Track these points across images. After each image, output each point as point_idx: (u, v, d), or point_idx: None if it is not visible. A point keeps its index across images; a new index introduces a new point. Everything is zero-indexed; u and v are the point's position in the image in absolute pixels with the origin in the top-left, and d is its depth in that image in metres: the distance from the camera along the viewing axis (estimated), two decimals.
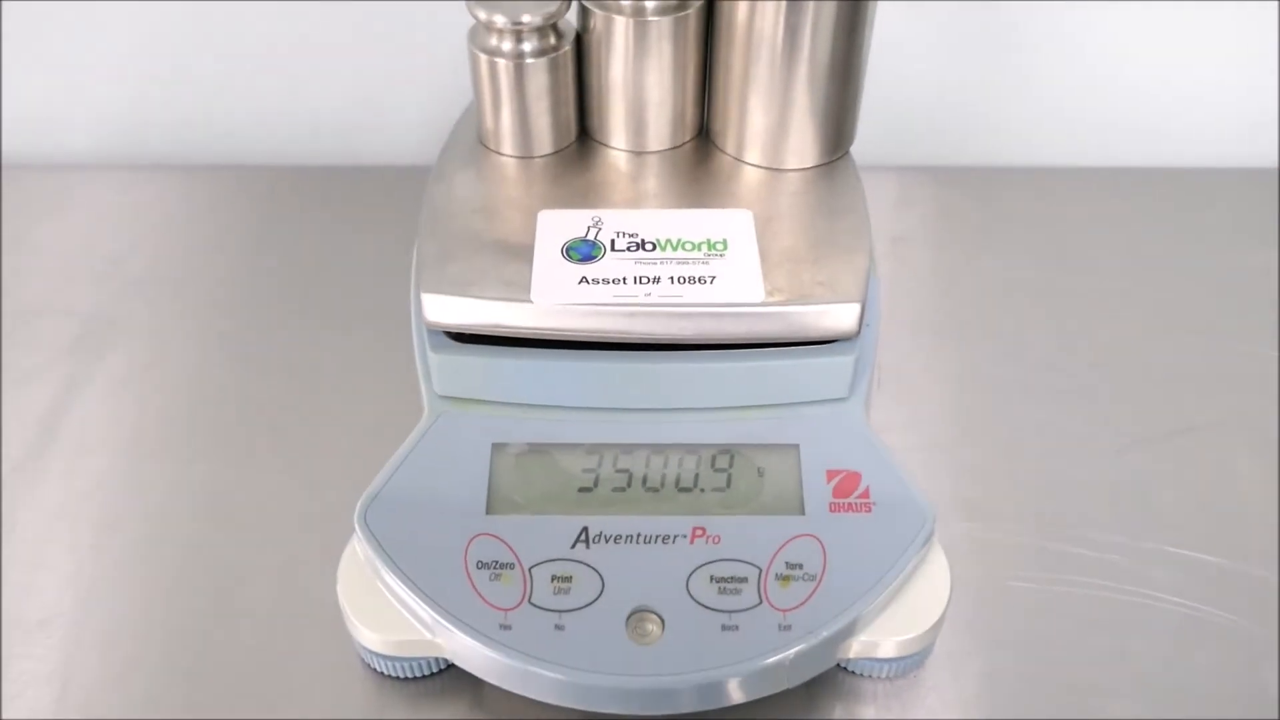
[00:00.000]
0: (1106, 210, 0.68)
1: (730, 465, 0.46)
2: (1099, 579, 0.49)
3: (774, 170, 0.52)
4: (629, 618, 0.42)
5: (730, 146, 0.52)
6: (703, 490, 0.45)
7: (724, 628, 0.41)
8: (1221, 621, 0.47)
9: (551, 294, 0.45)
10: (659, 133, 0.52)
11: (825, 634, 0.41)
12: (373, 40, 0.71)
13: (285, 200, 0.69)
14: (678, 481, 0.46)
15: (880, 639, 0.42)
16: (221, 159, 0.76)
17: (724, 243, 0.47)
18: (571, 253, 0.47)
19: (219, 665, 0.46)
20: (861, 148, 0.53)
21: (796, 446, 0.46)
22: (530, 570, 0.43)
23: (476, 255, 0.47)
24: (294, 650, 0.46)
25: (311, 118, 0.75)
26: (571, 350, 0.47)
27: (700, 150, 0.53)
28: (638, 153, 0.53)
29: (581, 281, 0.46)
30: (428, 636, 0.43)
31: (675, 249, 0.47)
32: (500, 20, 0.48)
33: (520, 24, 0.48)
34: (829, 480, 0.45)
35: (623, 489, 0.45)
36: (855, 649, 0.43)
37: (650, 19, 0.48)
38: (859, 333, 0.46)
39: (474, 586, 0.42)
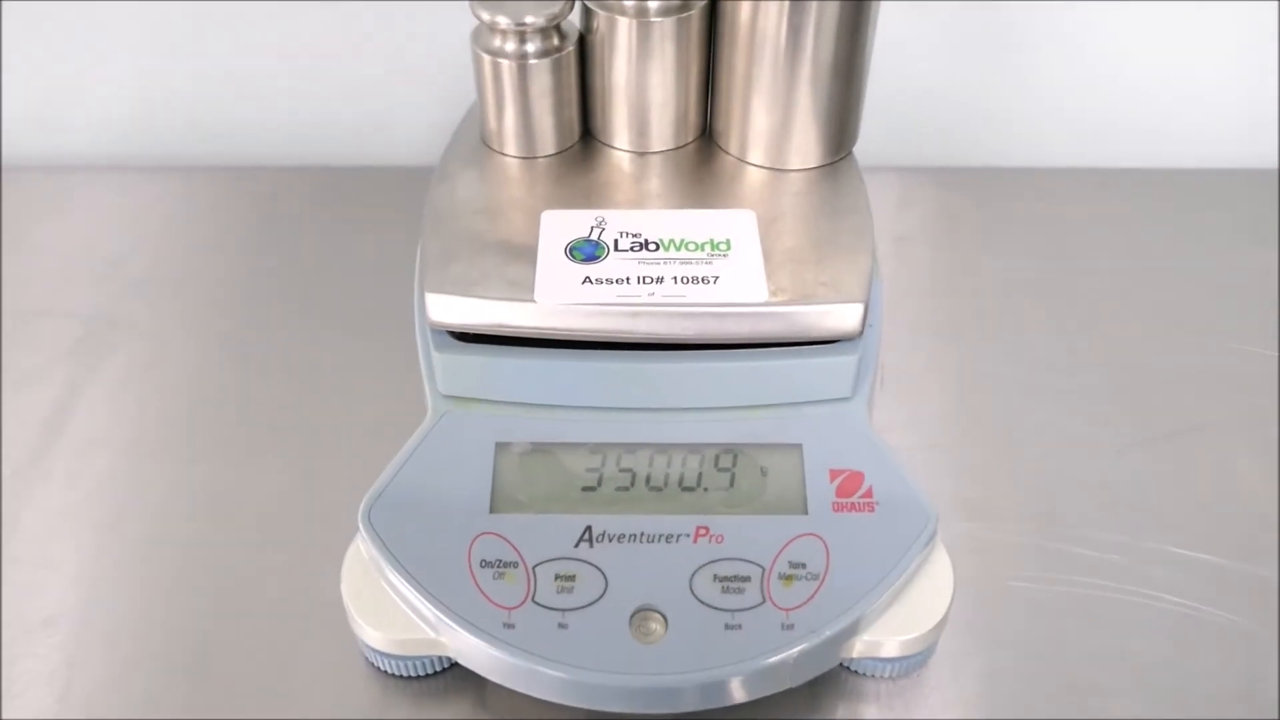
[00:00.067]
0: (1107, 211, 0.68)
1: (733, 465, 0.46)
2: (1100, 579, 0.49)
3: (777, 170, 0.52)
4: (632, 617, 0.42)
5: (733, 147, 0.52)
6: (706, 490, 0.45)
7: (727, 627, 0.41)
8: (1222, 621, 0.47)
9: (555, 294, 0.46)
10: (662, 133, 0.52)
11: (828, 633, 0.41)
12: (375, 41, 0.71)
13: (286, 201, 0.69)
14: (681, 481, 0.46)
15: (883, 638, 0.43)
16: (223, 160, 0.76)
17: (727, 243, 0.47)
18: (575, 253, 0.47)
19: (222, 664, 0.46)
20: (863, 148, 0.53)
21: (799, 446, 0.46)
22: (534, 569, 0.43)
23: (480, 255, 0.47)
24: (297, 649, 0.47)
25: (313, 118, 0.75)
26: (575, 350, 0.47)
27: (703, 151, 0.53)
28: (641, 153, 0.53)
29: (585, 281, 0.46)
30: (431, 635, 0.43)
31: (678, 249, 0.47)
32: (503, 21, 0.48)
33: (523, 25, 0.48)
34: (832, 480, 0.45)
35: (626, 488, 0.45)
36: (858, 648, 0.43)
37: (653, 20, 0.49)
38: (862, 333, 0.46)
39: (477, 585, 0.42)
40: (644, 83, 0.50)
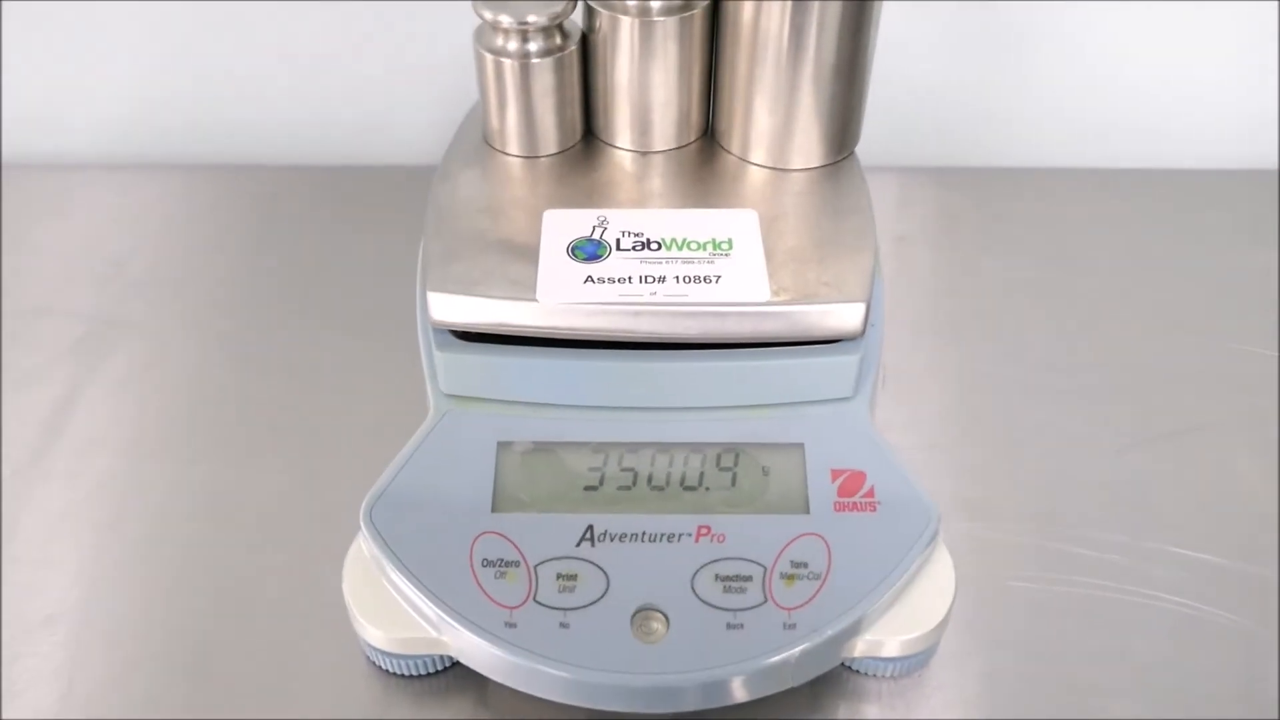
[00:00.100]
0: (1107, 211, 0.68)
1: (735, 464, 0.46)
2: (1100, 579, 0.49)
3: (779, 170, 0.52)
4: (634, 616, 0.42)
5: (735, 146, 0.52)
6: (708, 489, 0.45)
7: (729, 626, 0.41)
8: (1222, 621, 0.48)
9: (557, 293, 0.46)
10: (664, 133, 0.52)
11: (830, 633, 0.41)
12: (376, 40, 0.71)
13: (287, 201, 0.69)
14: (683, 480, 0.46)
15: (885, 638, 0.43)
16: (224, 159, 0.76)
17: (729, 242, 0.48)
18: (577, 252, 0.47)
19: (223, 664, 0.46)
20: (863, 148, 0.53)
21: (801, 446, 0.46)
22: (535, 568, 0.43)
23: (482, 254, 0.47)
24: (298, 649, 0.47)
25: (314, 118, 0.75)
26: (577, 349, 0.47)
27: (705, 150, 0.53)
28: (643, 152, 0.53)
29: (587, 281, 0.46)
30: (433, 634, 0.43)
31: (680, 248, 0.47)
32: (506, 20, 0.48)
33: (526, 24, 0.48)
34: (834, 479, 0.45)
35: (628, 487, 0.45)
36: (860, 648, 0.43)
37: (656, 19, 0.49)
38: (864, 332, 0.46)
39: (479, 584, 0.42)
40: (646, 82, 0.50)
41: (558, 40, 0.50)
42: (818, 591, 0.42)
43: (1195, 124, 0.74)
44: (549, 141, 0.52)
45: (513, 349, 0.47)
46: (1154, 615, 0.48)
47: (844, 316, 0.46)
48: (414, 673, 0.45)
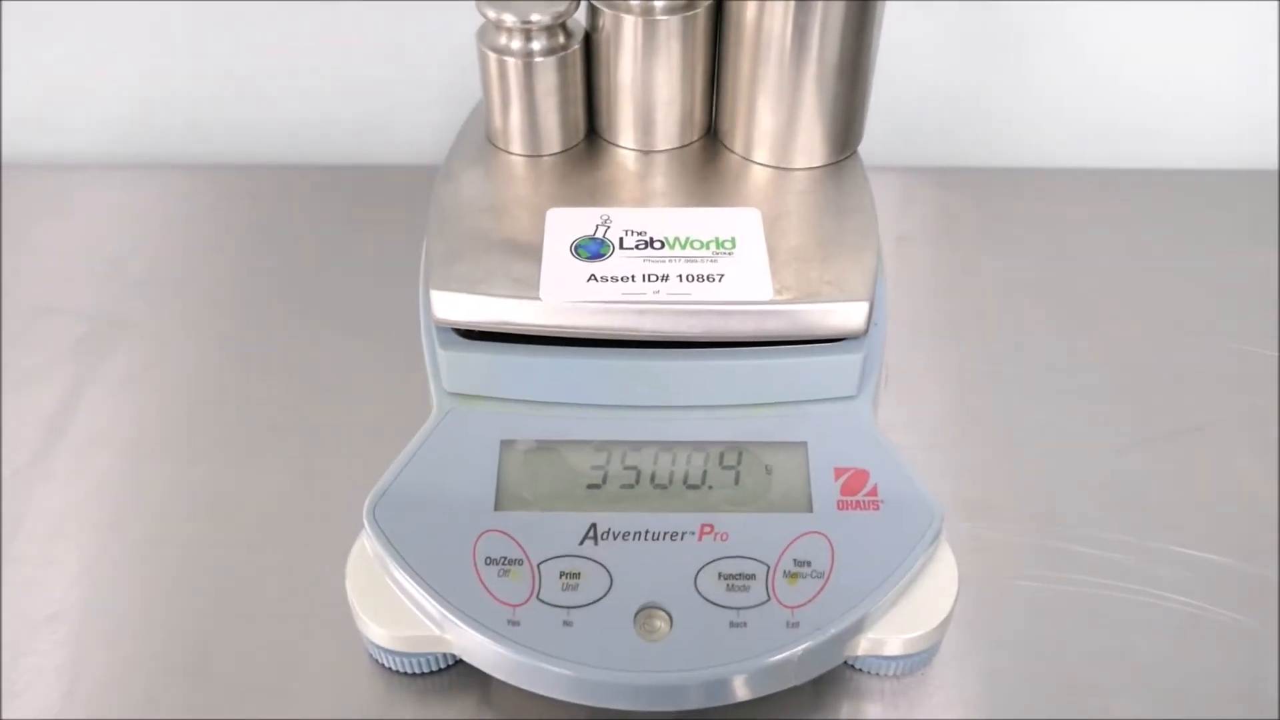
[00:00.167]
0: (1107, 211, 0.68)
1: (738, 463, 0.46)
2: (1101, 578, 0.49)
3: (782, 169, 0.52)
4: (637, 614, 0.42)
5: (738, 146, 0.52)
6: (711, 487, 0.45)
7: (732, 625, 0.41)
8: (1223, 620, 0.48)
9: (560, 291, 0.46)
10: (667, 132, 0.52)
11: (833, 631, 0.41)
12: (379, 39, 0.71)
13: (288, 200, 0.69)
14: (686, 479, 0.46)
15: (887, 637, 0.43)
16: (226, 159, 0.76)
17: (732, 241, 0.48)
18: (580, 250, 0.47)
19: (225, 662, 0.46)
20: (864, 147, 0.54)
21: (804, 444, 0.46)
22: (539, 566, 0.43)
23: (485, 253, 0.47)
24: (301, 647, 0.47)
25: (318, 117, 0.75)
26: (580, 347, 0.47)
27: (708, 149, 0.53)
28: (646, 151, 0.53)
29: (590, 279, 0.46)
30: (436, 632, 0.43)
31: (683, 247, 0.47)
32: (509, 19, 0.48)
33: (529, 23, 0.48)
34: (837, 478, 0.45)
35: (631, 486, 0.46)
36: (863, 647, 0.43)
37: (659, 18, 0.49)
38: (867, 331, 0.46)
39: (482, 582, 0.42)
40: (649, 81, 0.50)
41: (561, 39, 0.50)
42: (821, 590, 0.42)
43: (1195, 124, 0.74)
44: (552, 140, 0.52)
45: (516, 347, 0.47)
46: (1155, 615, 0.48)
47: (847, 315, 0.46)
48: (417, 671, 0.45)
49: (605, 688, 0.41)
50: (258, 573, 0.49)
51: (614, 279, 0.46)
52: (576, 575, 0.43)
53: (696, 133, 0.53)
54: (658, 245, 0.47)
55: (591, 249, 0.47)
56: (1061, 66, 0.72)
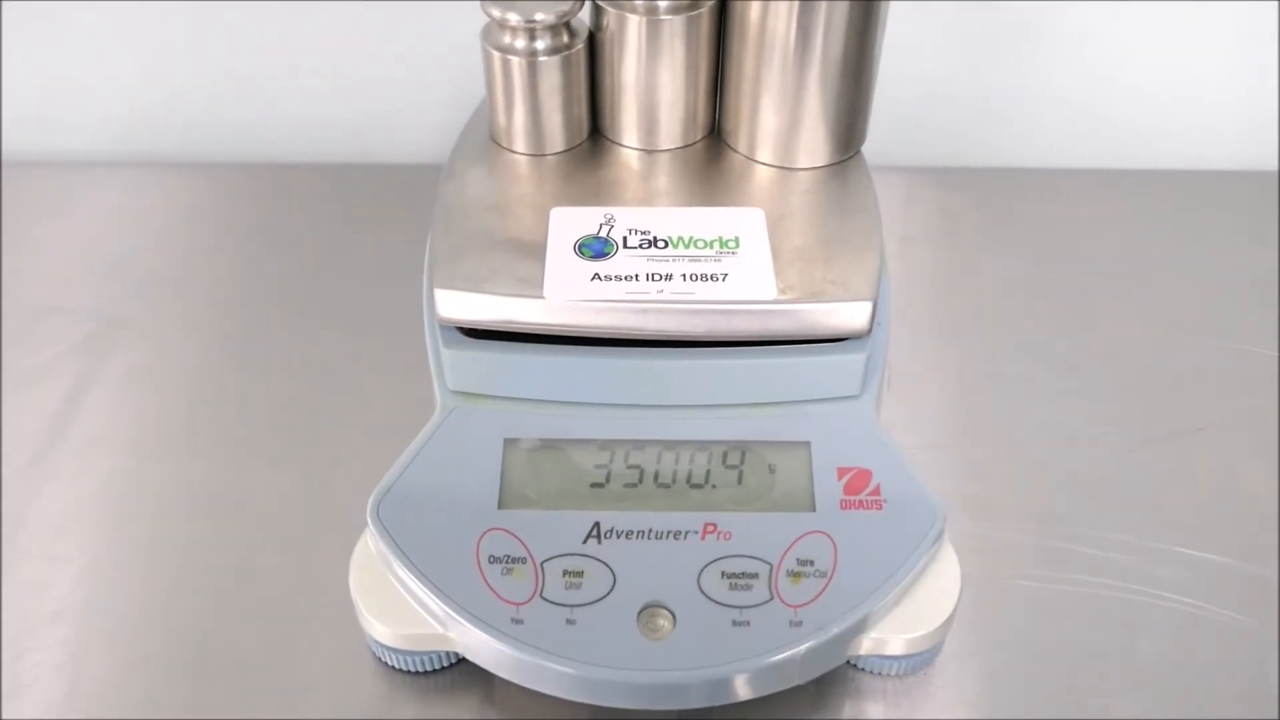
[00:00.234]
0: (1108, 211, 0.69)
1: (741, 462, 0.46)
2: (1102, 578, 0.49)
3: (785, 169, 0.52)
4: (640, 613, 0.42)
5: (742, 145, 0.52)
6: (714, 486, 0.46)
7: (735, 624, 0.42)
8: (1224, 620, 0.48)
9: (564, 290, 0.46)
10: (671, 131, 0.52)
11: (835, 631, 0.41)
12: (384, 37, 0.71)
13: (291, 199, 0.69)
14: (689, 478, 0.46)
15: (890, 636, 0.43)
16: (226, 158, 0.76)
17: (736, 240, 0.48)
18: (584, 249, 0.47)
19: (228, 661, 0.46)
20: (866, 147, 0.54)
21: (808, 444, 0.46)
22: (542, 565, 0.43)
23: (489, 252, 0.47)
24: (305, 645, 0.47)
25: (318, 117, 0.75)
26: (584, 346, 0.47)
27: (712, 149, 0.53)
28: (649, 151, 0.53)
29: (594, 278, 0.46)
30: (439, 630, 0.43)
31: (687, 246, 0.47)
32: (514, 18, 0.48)
33: (534, 22, 0.48)
34: (840, 477, 0.45)
35: (634, 485, 0.46)
36: (865, 646, 0.43)
37: (663, 17, 0.49)
38: (870, 331, 0.47)
39: (486, 581, 0.42)
40: (653, 80, 0.50)
41: (565, 38, 0.50)
42: (824, 589, 0.42)
43: (1195, 124, 0.74)
44: (556, 140, 0.52)
45: (520, 346, 0.47)
46: (1155, 614, 0.48)
47: (851, 315, 0.46)
48: (420, 669, 0.45)
49: (608, 686, 0.41)
50: (260, 571, 0.49)
51: (618, 278, 0.46)
52: (580, 574, 0.43)
53: (700, 132, 0.53)
54: (661, 244, 0.47)
55: (595, 248, 0.47)
56: (1062, 67, 0.72)
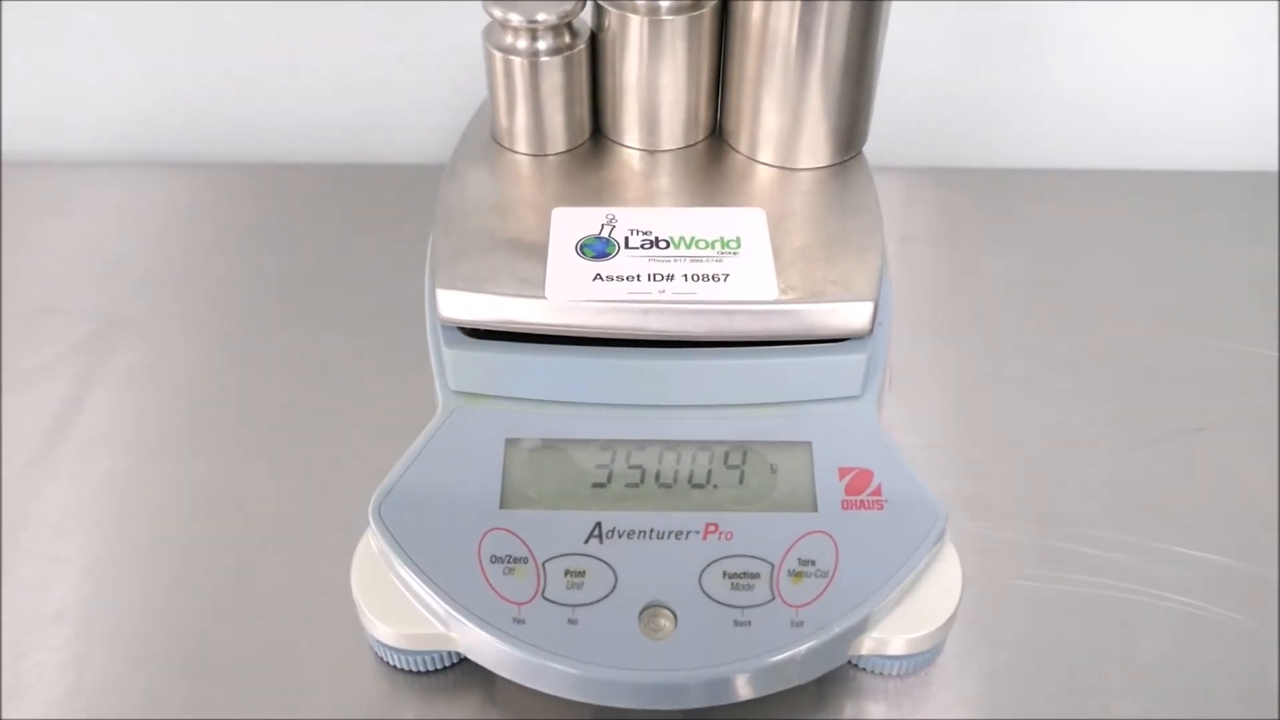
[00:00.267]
0: (1108, 211, 0.69)
1: (743, 462, 0.46)
2: (1102, 578, 0.49)
3: (787, 169, 0.52)
4: (642, 613, 0.42)
5: (743, 145, 0.52)
6: (715, 487, 0.46)
7: (736, 623, 0.42)
8: (1224, 620, 0.48)
9: (566, 290, 0.46)
10: (672, 131, 0.52)
11: (837, 631, 0.41)
12: (384, 37, 0.71)
13: (291, 199, 0.69)
14: (690, 478, 0.46)
15: (891, 636, 0.43)
16: (226, 158, 0.76)
17: (737, 241, 0.48)
18: (585, 250, 0.47)
19: (230, 660, 0.46)
20: (867, 148, 0.54)
21: (809, 444, 0.46)
22: (544, 565, 0.43)
23: (491, 252, 0.47)
24: (306, 645, 0.47)
25: (318, 117, 0.75)
26: (585, 346, 0.47)
27: (713, 149, 0.53)
28: (651, 151, 0.53)
29: (595, 278, 0.46)
30: (441, 630, 0.43)
31: (689, 246, 0.47)
32: (516, 18, 0.48)
33: (535, 22, 0.48)
34: (841, 478, 0.45)
35: (636, 485, 0.46)
36: (866, 646, 0.43)
37: (665, 18, 0.49)
38: (871, 331, 0.47)
39: (487, 580, 0.42)
40: (655, 81, 0.50)
41: (567, 39, 0.50)
42: (825, 589, 0.42)
43: (1195, 124, 0.74)
44: (557, 140, 0.52)
45: (521, 346, 0.47)
46: (1155, 615, 0.48)
47: (852, 315, 0.46)
48: (422, 669, 0.45)
49: (610, 686, 0.41)
50: (262, 571, 0.49)
51: (619, 278, 0.46)
52: (581, 574, 0.43)
53: (701, 133, 0.53)
54: (663, 245, 0.47)
55: (597, 248, 0.47)
56: (1062, 67, 0.72)
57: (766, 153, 0.52)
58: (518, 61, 0.49)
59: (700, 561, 0.43)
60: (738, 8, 0.49)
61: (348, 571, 0.44)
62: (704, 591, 0.42)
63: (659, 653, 0.41)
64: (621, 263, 0.47)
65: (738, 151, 0.53)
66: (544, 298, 0.45)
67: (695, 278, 0.46)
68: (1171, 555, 0.50)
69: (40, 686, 0.45)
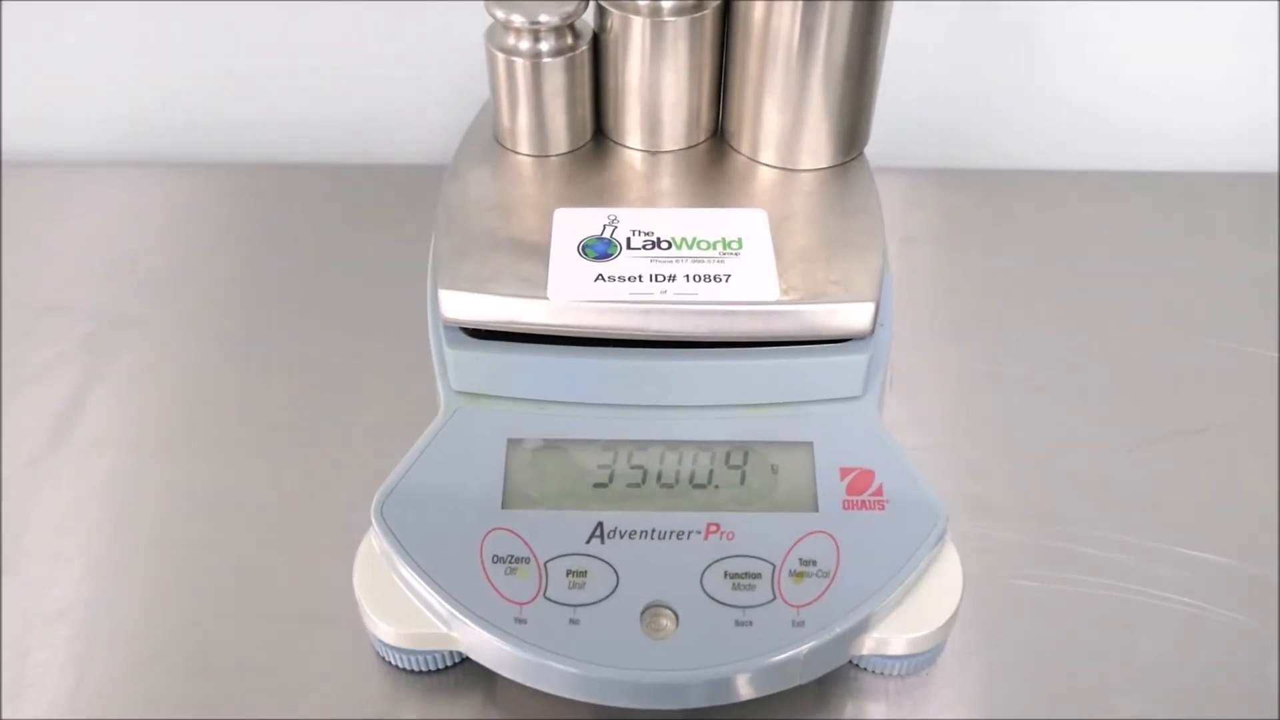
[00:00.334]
0: (1108, 212, 0.69)
1: (744, 462, 0.46)
2: (1103, 578, 0.49)
3: (788, 170, 0.52)
4: (643, 613, 0.42)
5: (745, 146, 0.52)
6: (717, 487, 0.46)
7: (737, 623, 0.42)
8: (1224, 620, 0.48)
9: (568, 291, 0.46)
10: (674, 132, 0.52)
11: (838, 631, 0.41)
12: (384, 37, 0.71)
13: (293, 199, 0.69)
14: (692, 478, 0.46)
15: (892, 636, 0.43)
16: (228, 157, 0.76)
17: (739, 241, 0.48)
18: (588, 250, 0.47)
19: (232, 660, 0.46)
20: (868, 149, 0.54)
21: (810, 444, 0.46)
22: (545, 565, 0.43)
23: (493, 252, 0.47)
24: (308, 644, 0.47)
25: (318, 117, 0.75)
26: (587, 347, 0.47)
27: (715, 150, 0.53)
28: (653, 152, 0.53)
29: (597, 279, 0.46)
30: (443, 630, 0.43)
31: (690, 247, 0.47)
32: (518, 19, 0.48)
33: (538, 23, 0.48)
34: (842, 478, 0.45)
35: (637, 485, 0.46)
36: (868, 646, 0.43)
37: (667, 19, 0.49)
38: (873, 331, 0.47)
39: (489, 580, 0.42)
40: (657, 82, 0.50)
41: (569, 40, 0.50)
42: (826, 589, 0.42)
43: (1195, 125, 0.74)
44: (560, 141, 0.52)
45: (523, 346, 0.47)
46: (1156, 615, 0.48)
47: (853, 315, 0.46)
48: (423, 669, 0.45)
49: (611, 686, 0.41)
50: (264, 571, 0.49)
51: (621, 279, 0.46)
52: (583, 574, 0.43)
53: (703, 134, 0.54)
54: (665, 245, 0.47)
55: (599, 249, 0.47)
56: (1063, 68, 0.72)
57: (768, 154, 0.52)
58: (520, 63, 0.49)
59: (701, 561, 0.43)
60: (739, 8, 0.49)
61: (348, 571, 0.44)
62: (705, 591, 0.42)
63: (660, 653, 0.41)
64: (623, 263, 0.47)
65: (739, 152, 0.53)
66: (546, 298, 0.46)
67: (697, 278, 0.46)
68: (1171, 555, 0.50)
69: (41, 686, 0.45)
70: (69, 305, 0.61)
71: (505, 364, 0.47)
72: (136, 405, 0.56)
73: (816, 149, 0.51)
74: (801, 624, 0.41)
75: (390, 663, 0.45)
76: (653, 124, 0.52)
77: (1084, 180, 0.71)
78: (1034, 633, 0.47)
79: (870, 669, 0.45)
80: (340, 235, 0.66)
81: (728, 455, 0.46)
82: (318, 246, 0.65)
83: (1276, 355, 0.59)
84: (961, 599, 0.43)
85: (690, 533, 0.44)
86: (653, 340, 0.46)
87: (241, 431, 0.55)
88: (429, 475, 0.45)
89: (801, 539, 0.44)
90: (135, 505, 0.52)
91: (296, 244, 0.66)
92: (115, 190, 0.70)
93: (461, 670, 0.45)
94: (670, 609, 0.42)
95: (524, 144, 0.52)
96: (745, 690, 0.42)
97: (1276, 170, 0.73)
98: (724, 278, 0.46)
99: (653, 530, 0.44)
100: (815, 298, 0.46)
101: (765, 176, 0.52)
